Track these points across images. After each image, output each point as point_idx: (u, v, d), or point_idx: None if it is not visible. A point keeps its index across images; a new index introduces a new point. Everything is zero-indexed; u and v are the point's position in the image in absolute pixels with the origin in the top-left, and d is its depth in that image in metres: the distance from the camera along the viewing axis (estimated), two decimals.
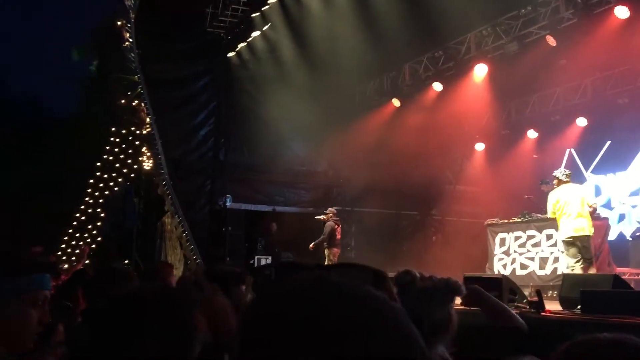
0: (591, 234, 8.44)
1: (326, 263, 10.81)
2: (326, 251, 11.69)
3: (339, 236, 11.85)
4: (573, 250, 8.47)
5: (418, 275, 1.81)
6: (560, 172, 8.81)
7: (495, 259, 11.27)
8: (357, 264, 0.79)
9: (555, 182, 8.79)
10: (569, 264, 8.50)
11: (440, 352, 1.76)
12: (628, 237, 11.72)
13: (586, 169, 13.67)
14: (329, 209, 12.16)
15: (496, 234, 11.42)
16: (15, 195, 20.32)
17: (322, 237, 11.75)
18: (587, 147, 13.48)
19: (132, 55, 12.42)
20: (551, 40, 10.70)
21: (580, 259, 8.35)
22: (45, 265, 1.67)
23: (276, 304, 0.64)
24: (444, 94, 13.15)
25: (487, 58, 12.08)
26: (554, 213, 8.64)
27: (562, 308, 6.33)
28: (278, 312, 0.62)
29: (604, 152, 13.32)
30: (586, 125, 13.10)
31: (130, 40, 12.50)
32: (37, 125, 22.91)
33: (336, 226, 11.78)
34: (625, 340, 0.96)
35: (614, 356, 0.95)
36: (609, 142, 13.04)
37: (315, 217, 12.25)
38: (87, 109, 20.00)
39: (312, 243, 11.74)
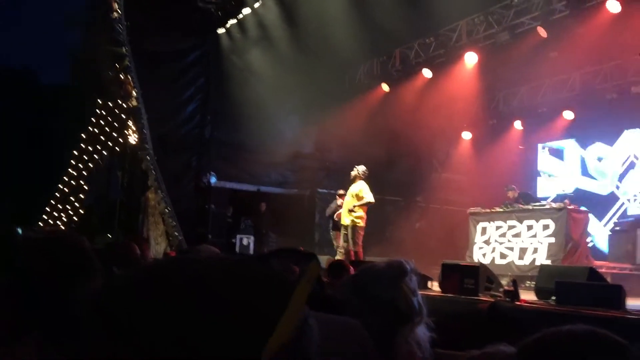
0: None
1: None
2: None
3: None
4: None
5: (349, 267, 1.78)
6: (363, 169, 9.98)
7: (476, 248, 11.34)
8: (288, 248, 0.72)
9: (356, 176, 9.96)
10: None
11: (413, 338, 1.67)
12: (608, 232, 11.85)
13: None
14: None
15: (478, 222, 11.47)
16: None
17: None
18: (573, 139, 13.57)
19: (121, 26, 12.24)
20: (542, 32, 10.69)
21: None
22: None
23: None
24: (434, 80, 13.12)
25: (478, 47, 12.03)
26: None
27: (537, 298, 6.41)
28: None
29: None
30: (572, 119, 13.15)
31: (119, 11, 12.31)
32: (27, 96, 22.59)
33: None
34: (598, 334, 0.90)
35: (586, 350, 0.88)
36: None
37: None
38: (74, 80, 19.77)
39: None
